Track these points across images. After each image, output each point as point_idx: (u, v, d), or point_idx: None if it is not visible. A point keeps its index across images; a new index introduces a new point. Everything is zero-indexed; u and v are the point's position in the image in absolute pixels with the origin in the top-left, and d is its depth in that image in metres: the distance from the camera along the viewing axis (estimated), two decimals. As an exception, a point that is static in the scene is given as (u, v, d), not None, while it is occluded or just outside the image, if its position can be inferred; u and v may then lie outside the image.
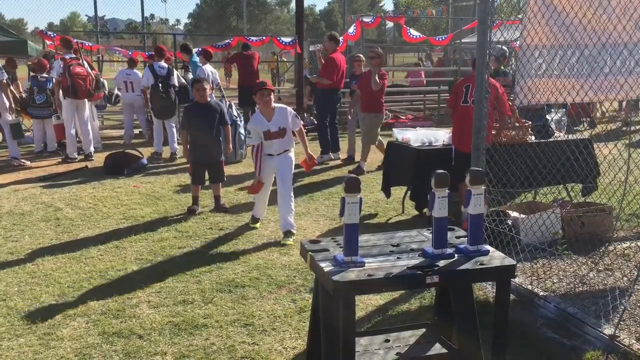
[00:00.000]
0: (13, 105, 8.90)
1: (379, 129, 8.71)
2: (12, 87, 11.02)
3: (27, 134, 11.19)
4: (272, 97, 5.35)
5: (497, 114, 5.60)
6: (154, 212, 6.43)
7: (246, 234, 5.66)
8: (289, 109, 5.50)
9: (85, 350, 3.48)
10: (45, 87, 9.56)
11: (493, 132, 5.49)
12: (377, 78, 8.14)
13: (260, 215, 5.94)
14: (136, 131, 11.99)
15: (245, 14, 19.98)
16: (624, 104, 13.44)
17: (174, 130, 9.75)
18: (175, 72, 9.99)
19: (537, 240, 4.82)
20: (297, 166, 5.83)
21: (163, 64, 9.68)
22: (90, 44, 13.54)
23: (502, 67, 8.27)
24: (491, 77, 5.86)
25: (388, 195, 6.65)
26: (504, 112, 5.66)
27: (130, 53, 13.87)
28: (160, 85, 9.35)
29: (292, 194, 5.51)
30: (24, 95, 10.51)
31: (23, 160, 9.08)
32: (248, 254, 5.13)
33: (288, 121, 5.42)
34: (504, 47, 8.24)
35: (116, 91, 11.31)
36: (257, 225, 5.88)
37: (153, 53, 10.26)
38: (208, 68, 10.12)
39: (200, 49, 11.15)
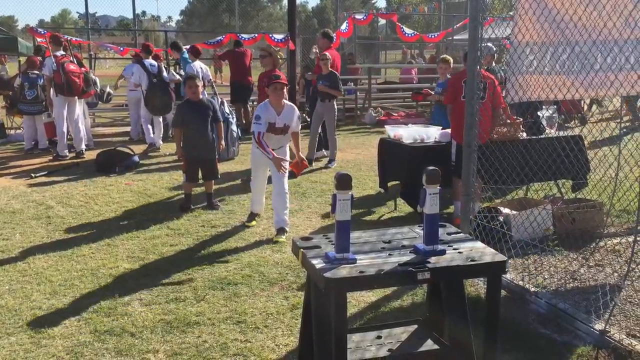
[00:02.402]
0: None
1: None
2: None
3: (17, 131, 11.12)
4: (284, 91, 5.32)
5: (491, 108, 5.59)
6: (146, 210, 6.41)
7: (239, 232, 5.65)
8: (296, 109, 5.49)
9: (77, 348, 3.47)
10: (36, 83, 9.49)
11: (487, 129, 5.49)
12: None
13: (258, 210, 5.91)
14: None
15: (237, 11, 19.85)
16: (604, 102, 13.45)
17: (161, 124, 9.97)
18: (167, 68, 9.97)
19: (529, 237, 4.84)
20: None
21: (152, 61, 9.63)
22: (81, 39, 13.48)
23: (494, 64, 8.27)
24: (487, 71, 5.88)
25: (387, 190, 6.69)
26: (496, 105, 5.67)
27: (121, 49, 13.80)
28: (156, 82, 9.37)
29: (287, 191, 5.50)
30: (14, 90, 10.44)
31: None
32: (240, 251, 5.13)
33: (293, 121, 5.42)
34: (489, 44, 8.24)
35: (108, 89, 11.24)
36: (253, 223, 5.84)
37: (140, 50, 10.24)
38: (197, 65, 10.08)
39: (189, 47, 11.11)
